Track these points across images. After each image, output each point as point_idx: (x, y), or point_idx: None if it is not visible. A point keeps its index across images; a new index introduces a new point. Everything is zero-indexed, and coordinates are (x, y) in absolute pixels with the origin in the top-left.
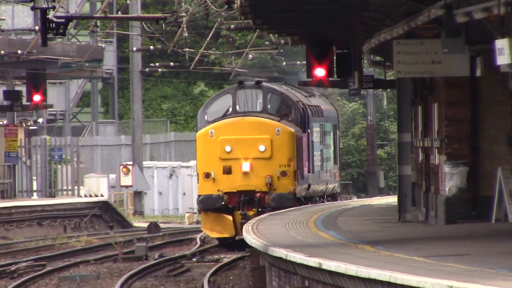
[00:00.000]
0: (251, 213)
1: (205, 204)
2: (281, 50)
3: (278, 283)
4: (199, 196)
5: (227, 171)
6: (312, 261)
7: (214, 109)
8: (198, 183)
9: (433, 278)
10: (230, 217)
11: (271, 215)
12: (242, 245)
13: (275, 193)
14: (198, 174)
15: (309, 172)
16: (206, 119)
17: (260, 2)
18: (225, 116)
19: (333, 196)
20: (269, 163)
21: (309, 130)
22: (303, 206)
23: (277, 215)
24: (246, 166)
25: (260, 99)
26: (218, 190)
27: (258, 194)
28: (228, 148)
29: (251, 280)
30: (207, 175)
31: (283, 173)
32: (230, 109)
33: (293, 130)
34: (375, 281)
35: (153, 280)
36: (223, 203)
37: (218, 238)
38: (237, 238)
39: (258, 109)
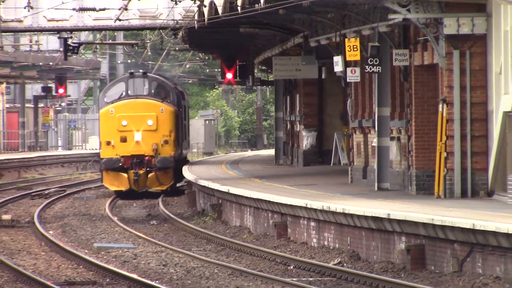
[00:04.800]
0: (141, 172)
1: (107, 165)
2: (206, 63)
3: (203, 201)
4: (102, 158)
5: (123, 140)
6: (224, 188)
7: (112, 93)
8: (100, 149)
9: (296, 199)
10: (125, 175)
11: (198, 161)
12: (146, 194)
13: (160, 156)
14: (101, 142)
15: (181, 140)
16: (105, 100)
17: (193, 35)
18: (120, 98)
19: (185, 159)
20: (155, 134)
21: (181, 109)
22: (215, 156)
23: (201, 162)
24: (138, 136)
25: (146, 85)
26: (116, 154)
27: (146, 158)
28: (124, 123)
29: (187, 199)
30: (108, 143)
31: (166, 142)
32: (124, 93)
33: (173, 109)
34: (261, 200)
35: (129, 200)
36: (120, 164)
37: (115, 191)
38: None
39: (145, 93)
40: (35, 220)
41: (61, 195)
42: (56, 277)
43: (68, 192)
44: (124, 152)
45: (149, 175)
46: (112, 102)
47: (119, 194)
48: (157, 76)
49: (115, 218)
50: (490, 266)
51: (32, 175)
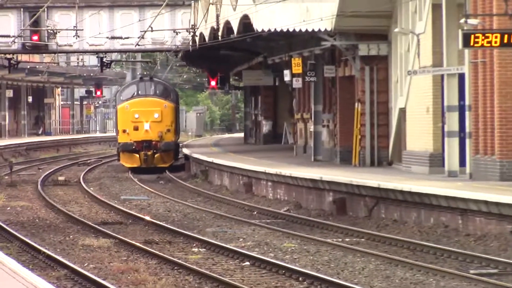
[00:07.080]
0: (149, 153)
1: (123, 147)
2: (197, 74)
3: (196, 168)
4: (119, 143)
5: (136, 128)
6: (209, 159)
7: (126, 93)
8: (118, 135)
9: (258, 166)
10: (137, 155)
11: (192, 141)
12: (153, 170)
13: (164, 141)
14: (118, 130)
15: (179, 129)
16: (121, 98)
17: (189, 55)
18: (133, 97)
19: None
20: (160, 124)
21: (178, 106)
22: (199, 138)
23: (194, 141)
24: (147, 126)
25: (152, 87)
26: (130, 139)
27: (154, 142)
28: (136, 115)
29: (185, 167)
30: (124, 131)
31: (168, 130)
32: (135, 93)
33: (174, 105)
34: (234, 167)
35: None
36: (133, 147)
37: (130, 168)
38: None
39: (151, 93)
40: (81, 180)
41: (99, 163)
42: (95, 219)
43: (104, 161)
44: (137, 138)
45: (156, 155)
46: (127, 100)
47: (132, 170)
48: (161, 80)
49: (135, 179)
50: (390, 212)
51: (79, 150)
